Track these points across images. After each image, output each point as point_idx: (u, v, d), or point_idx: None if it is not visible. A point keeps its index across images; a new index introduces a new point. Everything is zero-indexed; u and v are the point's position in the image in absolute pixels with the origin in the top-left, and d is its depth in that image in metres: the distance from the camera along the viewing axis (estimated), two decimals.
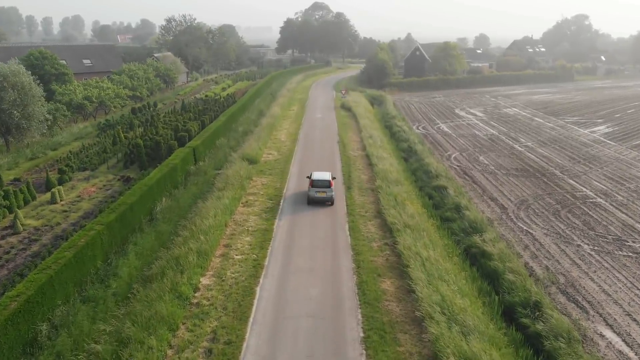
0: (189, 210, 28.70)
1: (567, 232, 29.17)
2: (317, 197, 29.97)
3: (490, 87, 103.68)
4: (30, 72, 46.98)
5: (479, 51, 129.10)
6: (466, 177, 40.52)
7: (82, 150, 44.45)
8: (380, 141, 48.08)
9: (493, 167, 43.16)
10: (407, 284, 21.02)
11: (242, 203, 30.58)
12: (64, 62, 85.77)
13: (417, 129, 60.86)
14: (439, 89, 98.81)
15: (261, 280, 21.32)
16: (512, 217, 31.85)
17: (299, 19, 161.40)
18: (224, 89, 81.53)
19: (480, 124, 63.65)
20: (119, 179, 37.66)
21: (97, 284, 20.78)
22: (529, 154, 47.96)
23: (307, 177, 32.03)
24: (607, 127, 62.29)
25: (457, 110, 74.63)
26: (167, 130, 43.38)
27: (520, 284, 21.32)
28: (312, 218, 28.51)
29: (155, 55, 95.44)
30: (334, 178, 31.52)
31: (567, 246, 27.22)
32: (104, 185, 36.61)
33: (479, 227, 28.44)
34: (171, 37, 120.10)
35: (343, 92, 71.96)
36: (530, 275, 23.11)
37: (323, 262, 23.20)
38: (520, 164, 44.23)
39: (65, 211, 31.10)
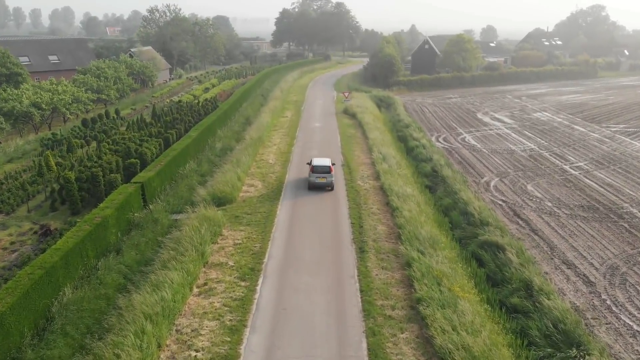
0: (106, 312, 17.76)
1: None
2: (317, 183, 31.13)
3: (510, 86, 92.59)
4: None
5: (492, 44, 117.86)
6: (519, 220, 29.66)
7: (4, 181, 33.46)
8: (397, 164, 37.13)
9: (550, 204, 32.27)
10: None
11: (196, 289, 19.69)
12: (25, 58, 74.95)
13: (437, 140, 49.96)
14: (453, 87, 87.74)
15: None
16: (609, 303, 21.08)
17: (296, 10, 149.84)
18: (206, 90, 70.44)
19: (513, 135, 52.70)
20: (35, 232, 26.73)
21: None
22: (589, 181, 37.07)
23: (308, 163, 33.13)
24: None
25: (479, 115, 63.64)
26: (113, 156, 32.32)
27: None
28: (306, 336, 17.60)
29: (132, 50, 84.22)
30: (333, 164, 32.67)
31: None
32: (13, 243, 25.70)
33: (571, 333, 17.75)
34: (154, 30, 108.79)
35: (346, 94, 60.94)
36: None
37: None
38: (583, 199, 33.35)
39: None
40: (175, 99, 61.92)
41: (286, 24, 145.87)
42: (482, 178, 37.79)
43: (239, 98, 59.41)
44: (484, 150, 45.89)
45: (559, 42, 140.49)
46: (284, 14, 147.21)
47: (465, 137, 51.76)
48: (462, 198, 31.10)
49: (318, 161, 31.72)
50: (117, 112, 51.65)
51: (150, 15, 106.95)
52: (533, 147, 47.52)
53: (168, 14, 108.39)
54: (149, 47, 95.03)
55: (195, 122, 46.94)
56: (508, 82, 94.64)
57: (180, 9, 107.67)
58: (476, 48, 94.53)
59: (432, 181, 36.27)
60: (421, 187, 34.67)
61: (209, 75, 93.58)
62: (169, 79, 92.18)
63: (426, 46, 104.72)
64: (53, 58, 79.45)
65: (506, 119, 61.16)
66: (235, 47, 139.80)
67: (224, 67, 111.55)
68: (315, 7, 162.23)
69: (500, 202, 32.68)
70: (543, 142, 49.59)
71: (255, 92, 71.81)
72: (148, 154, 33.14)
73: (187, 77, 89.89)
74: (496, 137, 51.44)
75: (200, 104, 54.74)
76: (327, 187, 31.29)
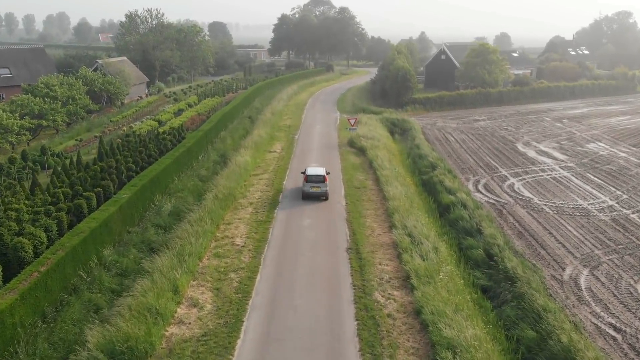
0: None
1: None
2: (311, 192, 30.08)
3: (542, 103, 79.32)
4: None
5: (515, 55, 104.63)
6: None
7: None
8: (433, 247, 23.81)
9: None
10: None
11: None
12: None
13: (477, 189, 36.80)
14: (477, 106, 74.58)
15: None
16: None
17: (296, 16, 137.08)
18: (179, 112, 57.33)
19: (574, 180, 39.42)
20: None
21: None
22: None
23: (302, 172, 31.93)
24: None
25: (520, 147, 50.39)
26: None
27: None
28: None
29: (98, 61, 71.36)
30: (328, 173, 31.41)
31: None
32: None
33: None
34: (135, 37, 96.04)
35: (352, 122, 47.51)
36: None
37: None
38: None
39: None
40: (136, 125, 48.74)
41: (285, 30, 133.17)
42: (563, 270, 24.53)
43: (215, 125, 46.35)
44: (547, 210, 32.58)
45: (586, 52, 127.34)
46: (283, 20, 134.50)
47: (512, 183, 38.49)
48: (554, 331, 17.94)
49: (312, 170, 31.06)
50: (43, 150, 38.32)
51: (129, 21, 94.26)
52: (611, 203, 34.23)
53: (150, 19, 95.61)
54: (123, 58, 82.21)
55: (146, 166, 33.80)
56: (539, 99, 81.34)
57: (163, 14, 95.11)
58: (503, 59, 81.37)
59: (490, 278, 23.06)
60: (475, 289, 21.56)
61: (192, 90, 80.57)
62: (146, 94, 79.30)
63: (442, 56, 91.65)
64: (4, 72, 66.77)
65: (556, 154, 47.86)
66: (229, 56, 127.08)
67: (213, 79, 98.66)
68: (317, 12, 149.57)
69: (612, 332, 19.43)
70: (620, 193, 36.27)
71: (241, 115, 58.82)
72: (27, 249, 19.93)
73: (164, 93, 76.82)
74: (554, 185, 38.16)
75: (160, 136, 41.65)
76: (322, 197, 30.53)
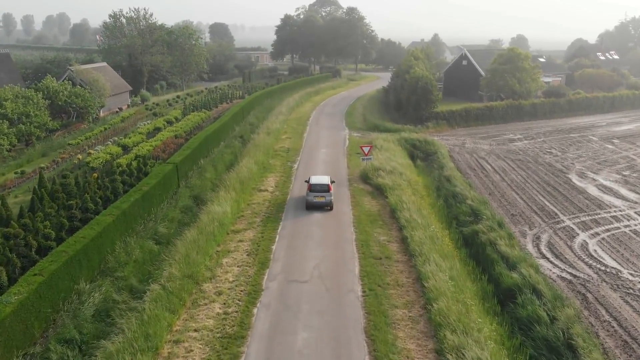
0: None
1: None
2: (315, 202, 29.40)
3: (581, 117, 69.06)
4: None
5: (542, 59, 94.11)
6: None
7: None
8: None
9: None
10: None
11: None
12: None
13: (538, 252, 26.75)
14: (508, 120, 64.38)
15: None
16: None
17: (301, 17, 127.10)
18: (155, 132, 47.33)
19: None
20: None
21: None
22: None
23: (306, 181, 30.92)
24: None
25: (574, 179, 40.22)
26: None
27: None
28: None
29: (70, 68, 61.67)
30: (332, 182, 30.58)
31: None
32: None
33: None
34: (123, 41, 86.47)
35: (366, 150, 37.15)
36: None
37: None
38: None
39: None
40: (94, 153, 38.84)
41: (289, 32, 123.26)
42: None
43: (192, 153, 36.49)
44: None
45: (616, 57, 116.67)
46: (286, 21, 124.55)
47: (584, 241, 28.40)
48: None
49: (316, 179, 30.33)
50: None
51: (113, 22, 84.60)
52: None
53: (137, 21, 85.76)
54: (102, 64, 72.62)
55: (79, 227, 23.93)
56: (577, 112, 71.00)
57: (152, 14, 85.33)
58: (535, 66, 71.12)
59: None
60: None
61: (179, 101, 70.80)
62: (127, 106, 69.65)
63: (464, 62, 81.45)
64: None
65: (623, 191, 37.63)
66: (228, 60, 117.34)
67: (207, 86, 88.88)
68: (323, 13, 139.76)
69: None
70: None
71: (231, 134, 48.98)
72: None
73: (145, 105, 66.89)
74: (638, 243, 28.10)
75: (114, 169, 31.79)
76: (326, 207, 29.62)
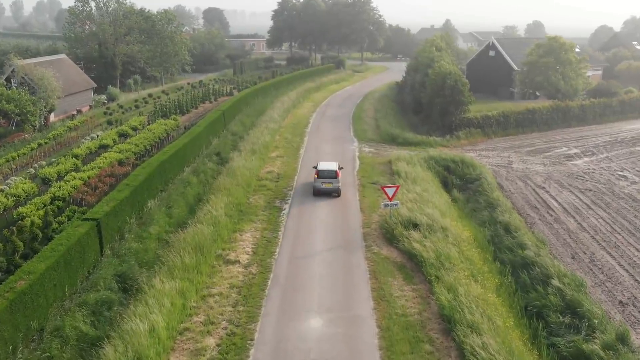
0: None
1: None
2: (323, 189, 28.93)
3: (636, 122, 56.74)
4: None
5: (577, 50, 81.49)
6: None
7: None
8: None
9: None
10: None
11: None
12: None
13: None
14: (552, 125, 52.19)
15: None
16: None
17: (300, 0, 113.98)
18: (100, 150, 35.07)
19: None
20: None
21: None
22: None
23: (314, 167, 30.38)
24: None
25: None
26: None
27: None
28: None
29: (10, 63, 49.44)
30: (341, 168, 30.35)
31: None
32: None
33: None
34: (92, 28, 74.14)
35: (390, 192, 24.87)
36: None
37: None
38: None
39: None
40: None
41: (287, 18, 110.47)
42: None
43: (125, 200, 24.46)
44: None
45: None
46: (284, 5, 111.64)
47: None
48: None
49: (324, 165, 29.82)
50: None
51: (81, 5, 72.12)
52: None
53: (110, 4, 73.26)
54: (60, 56, 60.46)
55: None
56: (628, 114, 58.61)
57: None
58: (582, 59, 58.80)
59: None
60: None
61: (150, 101, 58.64)
62: (90, 107, 57.54)
63: (491, 53, 69.09)
64: None
65: None
66: (218, 49, 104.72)
67: (190, 81, 76.62)
68: None
69: None
70: None
71: (203, 151, 37.01)
72: None
73: (106, 108, 54.50)
74: None
75: (15, 232, 20.00)
76: (334, 194, 29.14)
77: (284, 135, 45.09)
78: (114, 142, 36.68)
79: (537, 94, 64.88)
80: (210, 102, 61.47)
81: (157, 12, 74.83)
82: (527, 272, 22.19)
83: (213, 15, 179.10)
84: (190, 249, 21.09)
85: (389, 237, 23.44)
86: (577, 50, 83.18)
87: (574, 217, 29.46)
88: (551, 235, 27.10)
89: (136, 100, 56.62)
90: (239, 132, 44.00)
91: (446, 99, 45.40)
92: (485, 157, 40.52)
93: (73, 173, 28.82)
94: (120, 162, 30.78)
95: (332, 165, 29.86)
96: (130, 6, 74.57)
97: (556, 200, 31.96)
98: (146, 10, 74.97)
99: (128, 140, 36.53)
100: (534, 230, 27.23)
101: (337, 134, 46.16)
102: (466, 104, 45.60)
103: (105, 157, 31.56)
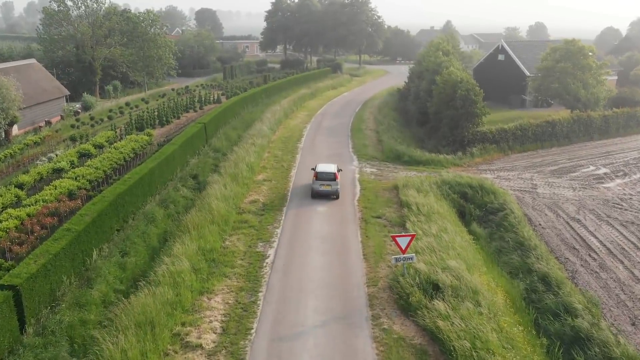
0: None
1: None
2: (321, 191, 28.79)
3: None
4: None
5: (590, 54, 76.25)
6: None
7: None
8: None
9: None
10: None
11: None
12: None
13: None
14: (573, 139, 46.89)
15: None
16: None
17: (295, 0, 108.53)
18: (53, 175, 29.50)
19: None
20: None
21: None
22: None
23: (312, 169, 30.44)
24: None
25: None
26: None
27: None
28: None
29: None
30: (339, 170, 30.03)
31: None
32: None
33: None
34: (68, 29, 68.63)
35: (403, 243, 19.73)
36: None
37: None
38: None
39: None
40: None
41: (281, 19, 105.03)
42: None
43: (66, 249, 19.10)
44: None
45: None
46: (278, 5, 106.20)
47: None
48: None
49: (322, 167, 29.51)
50: None
51: (57, 5, 66.53)
52: None
53: (89, 4, 67.66)
54: (29, 61, 55.03)
55: None
56: None
57: None
58: (602, 64, 53.65)
59: None
60: None
61: (126, 110, 53.14)
62: (61, 117, 51.99)
63: (500, 57, 63.87)
64: None
65: None
66: (209, 51, 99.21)
67: (175, 87, 71.14)
68: None
69: None
70: None
71: (178, 173, 31.52)
72: None
73: (76, 120, 48.90)
74: None
75: None
76: (332, 196, 29.05)
77: (274, 152, 39.63)
78: (71, 164, 31.14)
79: (551, 101, 59.80)
80: (195, 111, 56.02)
81: (139, 12, 69.23)
82: (584, 353, 16.88)
83: (206, 16, 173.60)
84: (134, 328, 15.61)
85: (403, 304, 18.01)
86: (590, 54, 78.14)
87: (622, 262, 24.14)
88: (600, 290, 21.79)
89: (110, 110, 51.04)
90: (223, 149, 38.55)
91: (457, 110, 40.02)
92: (505, 178, 35.16)
93: (10, 210, 23.31)
94: (71, 194, 25.25)
95: (330, 167, 29.47)
96: (111, 6, 69.11)
97: (596, 238, 26.62)
98: (128, 11, 69.39)
99: (88, 162, 30.98)
100: (579, 284, 21.93)
101: (334, 150, 40.73)
102: (480, 116, 40.22)
103: (55, 187, 26.03)
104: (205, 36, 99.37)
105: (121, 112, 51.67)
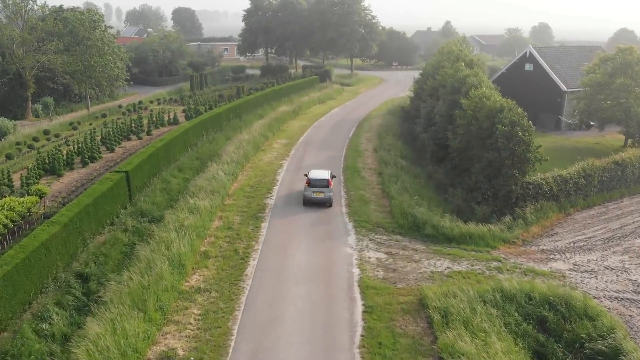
0: None
1: None
2: (313, 198, 27.85)
3: None
4: None
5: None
6: None
7: None
8: None
9: None
10: None
11: None
12: None
13: None
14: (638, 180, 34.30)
15: None
16: None
17: (277, 1, 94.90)
18: None
19: None
20: None
21: None
22: None
23: (305, 175, 29.59)
24: None
25: None
26: None
27: None
28: None
29: None
30: (333, 177, 29.35)
31: None
32: None
33: None
34: None
35: None
36: None
37: None
38: None
39: None
40: None
41: (262, 19, 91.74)
42: None
43: None
44: None
45: None
46: (258, 4, 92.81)
47: None
48: None
49: (315, 174, 28.73)
50: None
51: None
52: None
53: (27, 3, 54.24)
54: None
55: None
56: None
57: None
58: None
59: None
60: None
61: (49, 140, 39.88)
62: None
63: (528, 66, 51.24)
64: None
65: None
66: (177, 57, 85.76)
67: (135, 99, 57.77)
68: None
69: None
70: None
71: (57, 272, 18.40)
72: None
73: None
74: None
75: None
76: (325, 204, 28.11)
77: (229, 217, 26.50)
78: None
79: (592, 123, 47.48)
80: (139, 138, 43.12)
81: (78, 11, 55.81)
82: None
83: (183, 16, 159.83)
84: None
85: None
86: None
87: None
88: None
89: (18, 144, 37.55)
90: (152, 212, 25.54)
91: (499, 153, 27.19)
92: (586, 271, 22.36)
93: None
94: None
95: (323, 174, 28.74)
96: (42, 5, 55.65)
97: None
98: (63, 10, 56.00)
99: None
100: None
101: (320, 212, 27.70)
102: (534, 163, 27.44)
103: None
104: (173, 38, 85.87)
105: (34, 143, 38.30)
